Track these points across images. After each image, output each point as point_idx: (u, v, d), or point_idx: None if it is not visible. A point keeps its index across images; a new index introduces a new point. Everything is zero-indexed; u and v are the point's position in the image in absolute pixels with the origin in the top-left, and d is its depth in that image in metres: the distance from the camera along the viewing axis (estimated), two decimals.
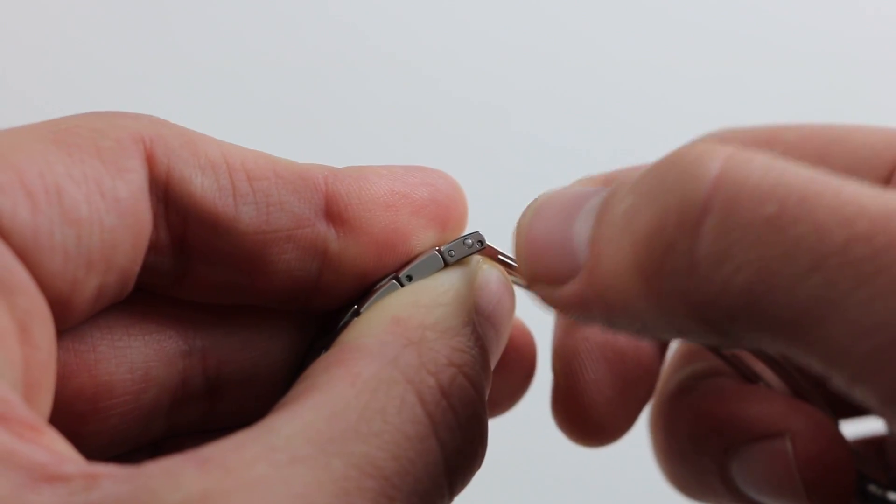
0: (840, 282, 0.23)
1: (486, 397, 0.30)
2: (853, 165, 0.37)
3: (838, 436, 0.37)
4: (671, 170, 0.26)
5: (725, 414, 0.38)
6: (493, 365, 0.32)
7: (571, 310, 0.29)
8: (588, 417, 0.37)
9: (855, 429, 0.40)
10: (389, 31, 0.83)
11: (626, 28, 0.85)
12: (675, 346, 0.40)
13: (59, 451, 0.24)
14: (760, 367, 0.38)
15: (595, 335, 0.37)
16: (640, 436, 0.41)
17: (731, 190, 0.25)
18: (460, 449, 0.28)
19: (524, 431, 0.57)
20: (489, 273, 0.32)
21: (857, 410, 0.42)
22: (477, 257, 0.33)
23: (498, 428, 0.33)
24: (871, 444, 0.41)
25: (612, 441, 0.38)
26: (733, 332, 0.25)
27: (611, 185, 0.29)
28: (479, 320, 0.31)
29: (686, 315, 0.26)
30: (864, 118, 0.40)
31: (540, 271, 0.30)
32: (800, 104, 0.80)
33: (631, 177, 0.28)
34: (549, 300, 0.30)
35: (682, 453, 0.39)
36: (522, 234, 0.31)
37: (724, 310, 0.25)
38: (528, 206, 0.31)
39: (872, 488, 0.38)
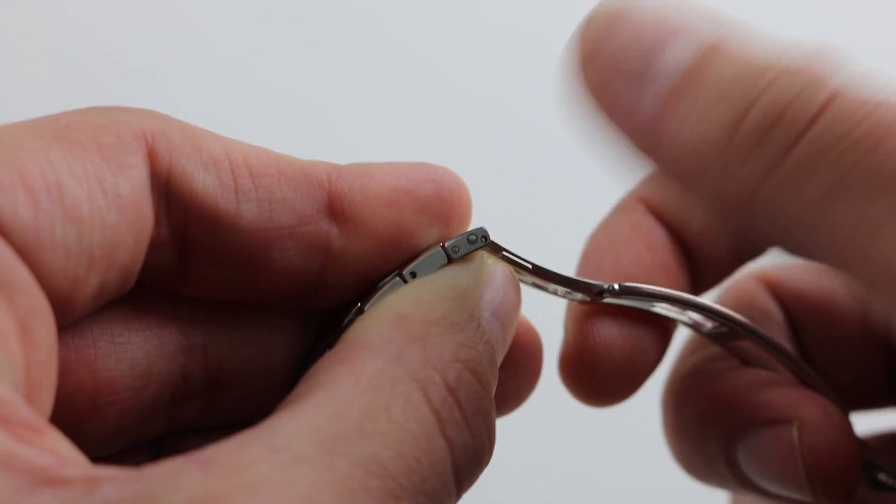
0: None
1: (493, 393, 0.30)
2: None
3: (846, 426, 0.37)
4: (796, 76, 0.27)
5: (734, 398, 0.38)
6: (499, 361, 0.32)
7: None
8: (594, 377, 0.37)
9: (866, 423, 0.40)
10: (395, 26, 0.83)
11: None
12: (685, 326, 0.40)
13: (60, 452, 0.23)
14: (766, 358, 0.38)
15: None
16: (644, 441, 0.41)
17: (837, 107, 0.26)
18: (468, 446, 0.27)
19: (532, 430, 0.57)
20: (494, 268, 0.32)
21: (865, 403, 0.42)
22: (481, 253, 0.32)
23: (506, 426, 0.33)
24: (883, 438, 0.41)
25: (614, 403, 0.39)
26: (778, 240, 0.28)
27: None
28: (484, 316, 0.31)
29: (744, 206, 0.27)
30: None
31: (594, 77, 0.29)
32: None
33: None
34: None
35: (690, 435, 0.39)
36: (590, 44, 0.29)
37: (789, 215, 0.27)
38: (597, 14, 0.29)
39: (882, 477, 0.38)
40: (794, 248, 0.28)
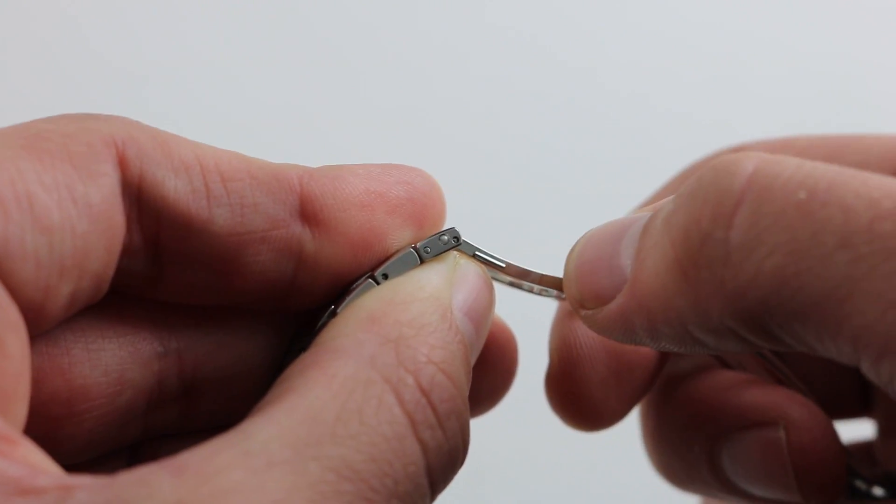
0: (866, 257, 0.25)
1: (467, 393, 0.30)
2: (863, 164, 0.38)
3: (830, 426, 0.37)
4: (708, 173, 0.28)
5: (718, 402, 0.38)
6: (472, 361, 0.32)
7: (615, 326, 0.30)
8: (584, 403, 0.37)
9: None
10: (372, 27, 0.83)
11: (623, 29, 0.84)
12: None
13: (33, 462, 0.23)
14: (750, 363, 0.38)
15: None
16: (629, 435, 0.41)
17: (764, 182, 0.27)
18: (441, 448, 0.28)
19: (508, 429, 0.57)
20: (466, 268, 0.32)
21: (842, 412, 0.42)
22: (454, 253, 0.32)
23: (480, 426, 0.33)
24: (855, 448, 0.41)
25: (606, 427, 0.38)
26: (766, 325, 0.27)
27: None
28: (457, 316, 0.31)
29: (722, 307, 0.27)
30: (866, 124, 0.40)
31: (587, 293, 0.31)
32: (804, 111, 0.79)
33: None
34: (593, 322, 0.31)
35: (671, 442, 0.39)
36: (572, 262, 0.32)
37: (757, 297, 0.26)
38: (580, 239, 0.33)
39: (859, 483, 0.38)
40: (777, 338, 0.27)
